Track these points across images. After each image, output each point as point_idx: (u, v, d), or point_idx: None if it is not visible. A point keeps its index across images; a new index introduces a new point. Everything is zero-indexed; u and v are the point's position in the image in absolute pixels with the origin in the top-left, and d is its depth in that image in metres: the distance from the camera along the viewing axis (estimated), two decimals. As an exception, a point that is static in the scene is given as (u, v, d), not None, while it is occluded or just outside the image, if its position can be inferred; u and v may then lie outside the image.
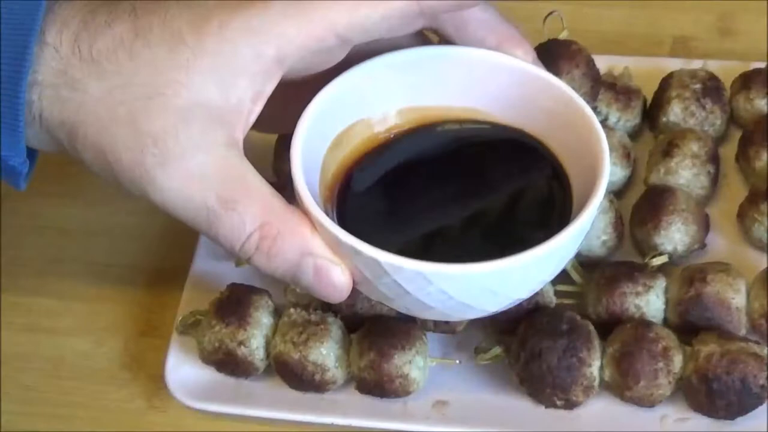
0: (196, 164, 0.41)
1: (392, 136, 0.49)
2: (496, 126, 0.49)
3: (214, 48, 0.41)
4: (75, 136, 0.42)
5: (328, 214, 0.43)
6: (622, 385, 0.50)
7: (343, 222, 0.45)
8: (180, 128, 0.41)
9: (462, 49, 0.47)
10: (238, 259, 0.47)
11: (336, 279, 0.42)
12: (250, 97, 0.42)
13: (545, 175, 0.47)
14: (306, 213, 0.42)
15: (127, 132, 0.41)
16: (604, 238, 0.55)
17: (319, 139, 0.46)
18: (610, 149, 0.56)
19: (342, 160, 0.47)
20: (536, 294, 0.52)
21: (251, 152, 0.43)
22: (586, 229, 0.43)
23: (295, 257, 0.42)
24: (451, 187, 0.48)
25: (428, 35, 0.49)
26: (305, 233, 0.42)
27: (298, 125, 0.44)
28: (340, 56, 0.44)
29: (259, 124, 0.44)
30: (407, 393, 0.51)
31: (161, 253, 0.61)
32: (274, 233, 0.42)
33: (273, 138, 0.58)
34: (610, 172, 0.43)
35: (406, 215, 0.47)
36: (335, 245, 0.42)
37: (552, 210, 0.45)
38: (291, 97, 0.44)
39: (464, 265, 0.40)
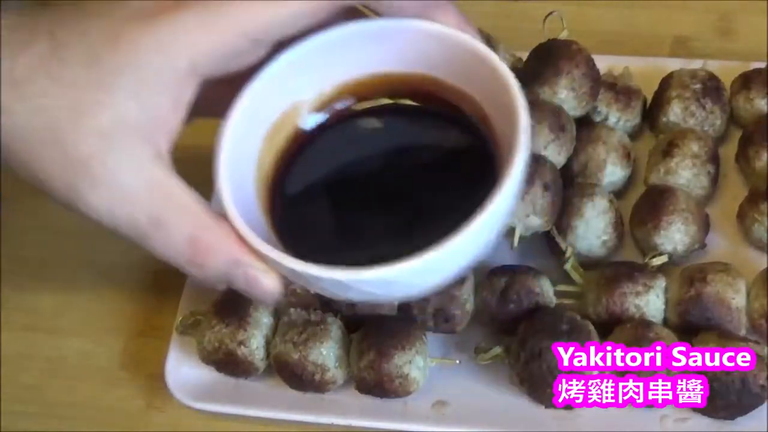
0: (123, 187, 0.42)
1: (317, 125, 0.48)
2: (425, 98, 0.48)
3: (128, 64, 0.41)
4: (10, 158, 0.43)
5: (265, 215, 0.44)
6: (622, 385, 0.50)
7: (276, 220, 0.45)
8: (105, 151, 0.41)
9: (382, 21, 0.46)
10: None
11: (266, 285, 0.43)
12: (169, 108, 0.43)
13: (476, 146, 0.46)
14: (231, 224, 0.43)
15: (55, 156, 0.42)
16: (604, 238, 0.55)
17: (252, 134, 0.46)
18: (610, 149, 0.57)
19: (276, 152, 0.47)
20: (536, 294, 0.52)
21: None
22: (504, 209, 0.42)
23: (226, 267, 0.43)
24: (380, 170, 0.48)
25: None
26: (233, 244, 0.42)
27: (223, 133, 0.44)
28: (260, 53, 0.44)
29: (206, 113, 0.44)
30: (407, 393, 0.51)
31: (161, 253, 0.61)
32: (204, 246, 0.42)
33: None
34: (535, 150, 0.41)
35: (337, 209, 0.47)
36: (258, 254, 0.42)
37: (483, 186, 0.43)
38: (229, 84, 0.44)
39: (377, 268, 0.40)
